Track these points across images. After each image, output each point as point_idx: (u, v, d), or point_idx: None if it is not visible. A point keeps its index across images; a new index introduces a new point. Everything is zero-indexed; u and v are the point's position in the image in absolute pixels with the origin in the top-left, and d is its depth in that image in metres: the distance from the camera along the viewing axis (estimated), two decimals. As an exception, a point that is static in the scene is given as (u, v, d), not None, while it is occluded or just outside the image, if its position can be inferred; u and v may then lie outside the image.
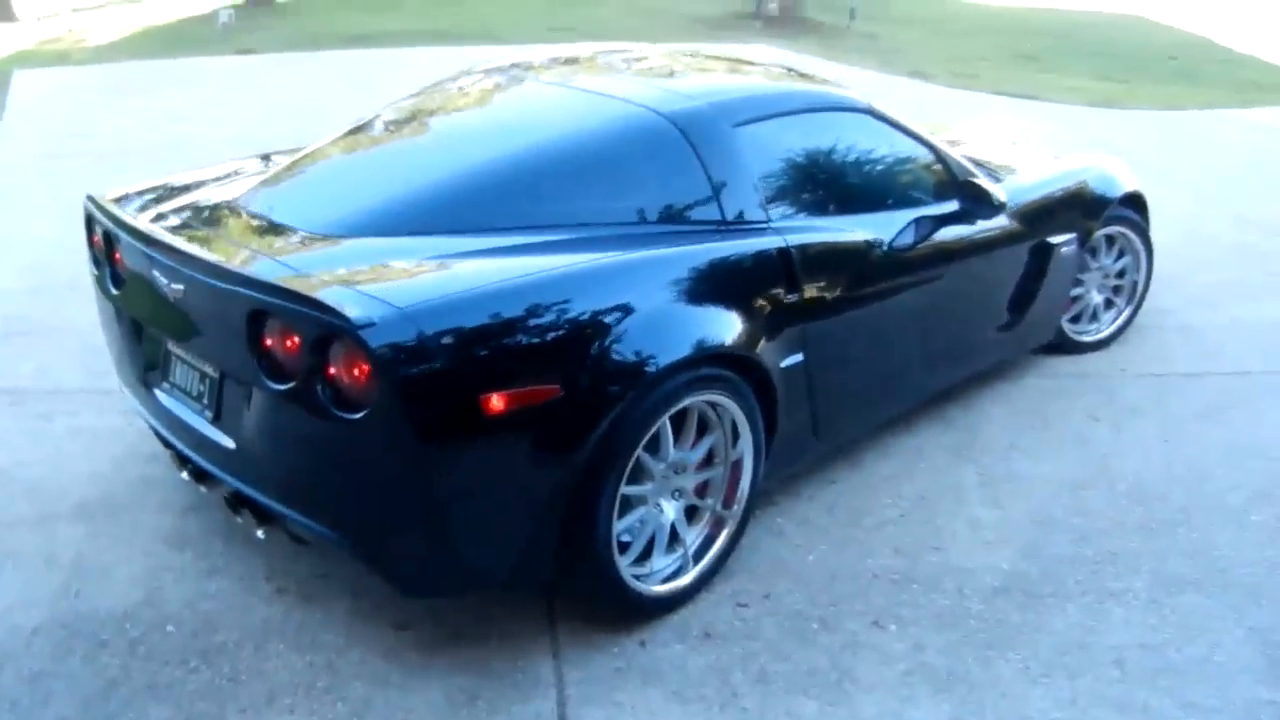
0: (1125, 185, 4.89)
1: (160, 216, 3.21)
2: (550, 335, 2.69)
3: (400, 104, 3.85)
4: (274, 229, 3.07)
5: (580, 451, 2.72)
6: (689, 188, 3.27)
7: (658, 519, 3.09)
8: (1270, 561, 3.45)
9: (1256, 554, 3.49)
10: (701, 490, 3.23)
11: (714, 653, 2.99)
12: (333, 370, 2.53)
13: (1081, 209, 4.65)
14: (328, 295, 2.50)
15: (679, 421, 3.04)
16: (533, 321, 2.66)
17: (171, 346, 3.10)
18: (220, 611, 3.10)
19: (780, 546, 3.49)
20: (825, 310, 3.42)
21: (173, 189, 3.54)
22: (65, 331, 4.81)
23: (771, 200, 3.41)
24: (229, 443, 2.88)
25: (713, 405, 3.09)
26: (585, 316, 2.74)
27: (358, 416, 2.50)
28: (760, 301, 3.19)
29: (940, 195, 3.96)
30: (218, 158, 4.09)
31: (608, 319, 2.77)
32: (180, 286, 2.85)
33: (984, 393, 4.60)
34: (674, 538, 3.16)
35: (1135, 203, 4.99)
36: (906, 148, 3.96)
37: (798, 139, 3.64)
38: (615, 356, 2.76)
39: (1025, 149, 5.33)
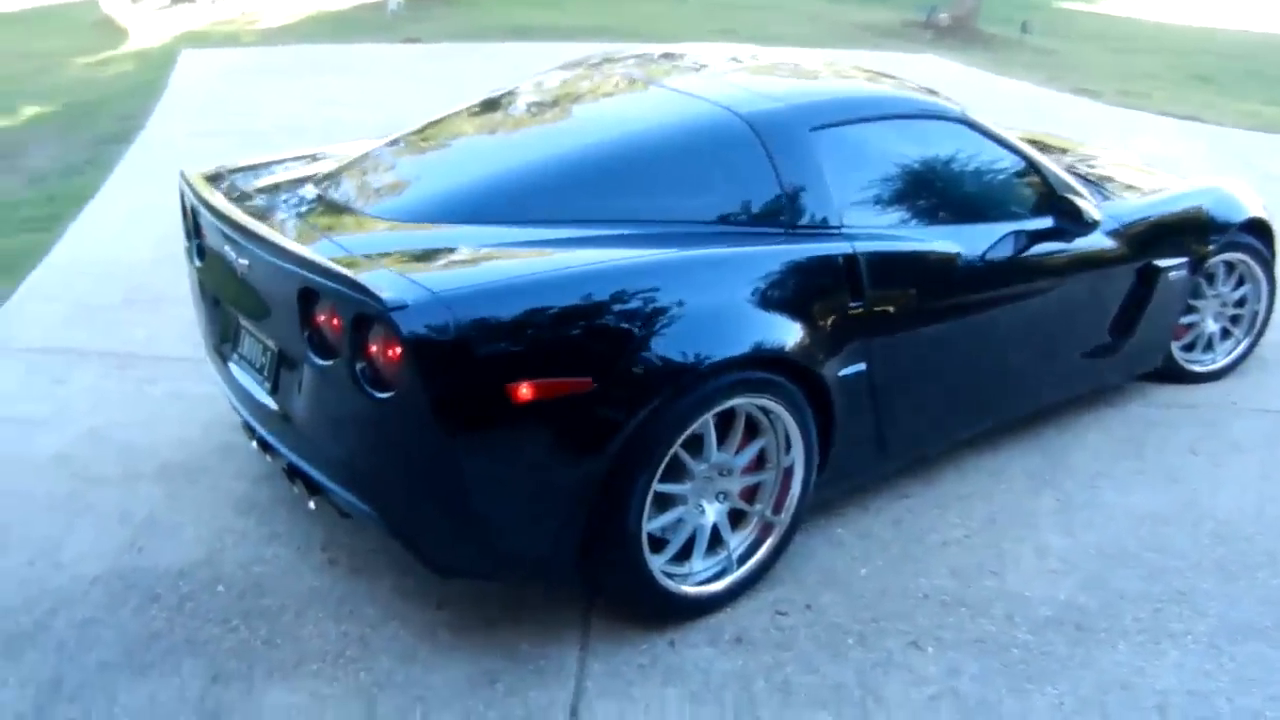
0: (1248, 210, 4.64)
1: (243, 194, 3.34)
2: (586, 328, 2.70)
3: (487, 96, 3.91)
4: (341, 211, 3.17)
5: (611, 444, 2.73)
6: (759, 189, 3.24)
7: (697, 519, 3.08)
8: (1351, 615, 3.25)
9: (1337, 606, 3.29)
10: (751, 495, 3.20)
11: (742, 659, 2.96)
12: (372, 350, 2.60)
13: (1195, 233, 4.43)
14: (367, 277, 2.56)
15: (726, 424, 3.03)
16: (570, 314, 2.68)
17: (241, 320, 3.22)
18: (271, 576, 3.22)
19: (835, 557, 3.43)
20: (894, 322, 3.34)
21: (266, 167, 3.67)
22: (181, 302, 4.95)
23: (845, 206, 3.35)
24: (283, 414, 2.99)
25: (764, 410, 3.06)
26: (625, 312, 2.74)
27: (388, 395, 2.56)
28: (819, 308, 3.14)
29: (1031, 210, 3.83)
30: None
31: (648, 316, 2.77)
32: (246, 262, 2.97)
33: (1082, 417, 4.44)
34: (718, 541, 3.14)
35: (1259, 229, 4.72)
36: (999, 160, 3.83)
37: (881, 145, 3.57)
38: (652, 353, 2.75)
39: (1150, 169, 5.10)
